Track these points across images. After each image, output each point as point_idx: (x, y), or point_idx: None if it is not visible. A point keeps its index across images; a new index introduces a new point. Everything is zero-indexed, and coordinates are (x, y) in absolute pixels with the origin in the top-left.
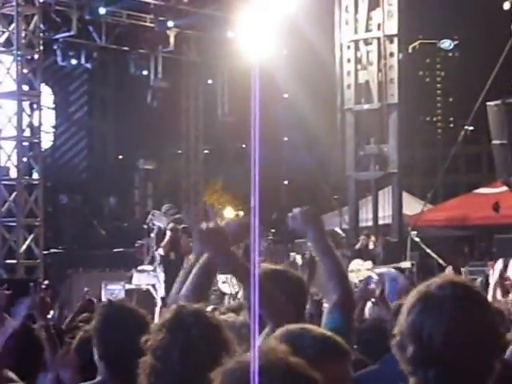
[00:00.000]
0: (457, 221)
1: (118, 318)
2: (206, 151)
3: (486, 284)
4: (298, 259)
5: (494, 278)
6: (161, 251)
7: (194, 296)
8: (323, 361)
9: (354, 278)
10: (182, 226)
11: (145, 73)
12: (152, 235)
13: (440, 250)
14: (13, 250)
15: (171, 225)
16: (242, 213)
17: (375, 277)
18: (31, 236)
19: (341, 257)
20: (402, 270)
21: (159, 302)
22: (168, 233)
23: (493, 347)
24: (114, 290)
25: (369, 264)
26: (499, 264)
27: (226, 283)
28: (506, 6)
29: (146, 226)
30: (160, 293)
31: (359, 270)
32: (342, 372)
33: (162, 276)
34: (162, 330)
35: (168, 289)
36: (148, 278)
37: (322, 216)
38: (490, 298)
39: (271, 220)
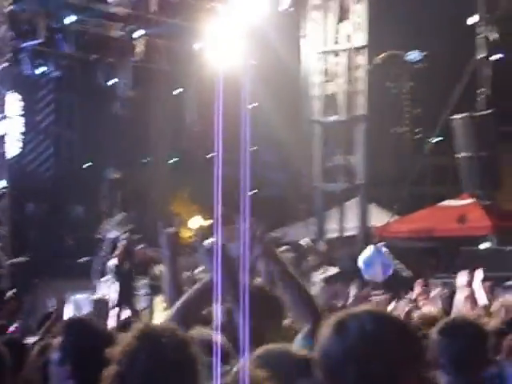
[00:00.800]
0: (423, 232)
1: (88, 337)
2: (173, 160)
3: (452, 296)
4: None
5: (464, 289)
6: (114, 261)
7: (179, 316)
8: (305, 382)
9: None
10: (137, 236)
11: (113, 82)
12: (105, 245)
13: (406, 261)
14: None
15: (125, 234)
16: (209, 222)
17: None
18: None
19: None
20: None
21: (113, 312)
22: (122, 242)
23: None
24: (79, 300)
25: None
26: (479, 275)
27: None
28: (471, 20)
29: (99, 236)
30: (112, 303)
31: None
32: None
33: (115, 286)
34: (130, 339)
35: (122, 298)
36: (112, 288)
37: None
38: (454, 309)
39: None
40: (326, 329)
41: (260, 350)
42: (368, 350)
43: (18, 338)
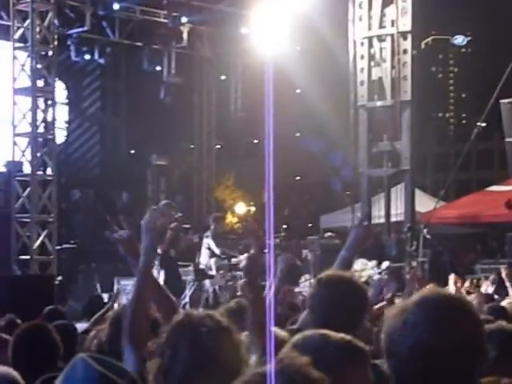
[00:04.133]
0: (469, 218)
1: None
2: (218, 146)
3: (499, 281)
4: (310, 256)
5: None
6: (158, 249)
7: None
8: (346, 366)
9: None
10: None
11: (158, 68)
12: None
13: (452, 247)
14: (26, 246)
15: (173, 224)
16: (253, 208)
17: (376, 277)
18: (45, 232)
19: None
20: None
21: None
22: (168, 231)
23: (472, 356)
24: (126, 286)
25: (373, 263)
26: None
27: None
28: None
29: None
30: None
31: (363, 270)
32: (364, 376)
33: (162, 274)
34: (170, 331)
35: (169, 286)
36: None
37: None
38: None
39: (283, 216)
40: (390, 318)
41: (298, 337)
42: (427, 336)
43: (71, 325)
